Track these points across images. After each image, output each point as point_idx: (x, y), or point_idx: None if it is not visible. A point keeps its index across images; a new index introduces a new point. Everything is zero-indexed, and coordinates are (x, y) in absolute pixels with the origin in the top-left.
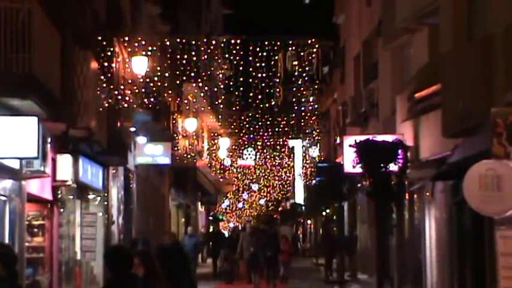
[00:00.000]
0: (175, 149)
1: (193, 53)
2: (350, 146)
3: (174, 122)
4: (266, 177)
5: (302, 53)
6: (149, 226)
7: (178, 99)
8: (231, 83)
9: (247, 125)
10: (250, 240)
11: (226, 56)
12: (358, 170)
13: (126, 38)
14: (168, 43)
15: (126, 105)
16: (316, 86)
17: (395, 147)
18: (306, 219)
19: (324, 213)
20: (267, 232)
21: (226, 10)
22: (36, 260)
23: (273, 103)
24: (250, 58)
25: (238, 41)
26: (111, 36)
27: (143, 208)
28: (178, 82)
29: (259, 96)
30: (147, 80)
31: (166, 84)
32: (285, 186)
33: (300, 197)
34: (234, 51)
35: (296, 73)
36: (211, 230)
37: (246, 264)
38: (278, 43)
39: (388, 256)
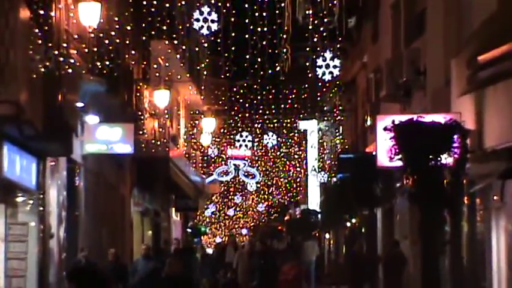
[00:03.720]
0: (140, 132)
1: None
2: (385, 129)
3: (138, 95)
4: (267, 172)
5: None
6: (102, 241)
7: (145, 62)
8: (219, 41)
9: (241, 100)
10: (250, 264)
11: (213, 1)
12: (396, 163)
13: None
14: None
15: (70, 70)
16: (338, 46)
17: (450, 131)
18: (322, 232)
19: (348, 224)
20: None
21: None
22: None
23: (277, 69)
24: (246, 5)
25: None
26: None
27: (94, 216)
28: (144, 38)
29: (259, 60)
30: (100, 35)
31: (127, 42)
32: (294, 186)
33: (314, 202)
34: None
35: (310, 27)
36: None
37: None
38: None
39: (439, 284)
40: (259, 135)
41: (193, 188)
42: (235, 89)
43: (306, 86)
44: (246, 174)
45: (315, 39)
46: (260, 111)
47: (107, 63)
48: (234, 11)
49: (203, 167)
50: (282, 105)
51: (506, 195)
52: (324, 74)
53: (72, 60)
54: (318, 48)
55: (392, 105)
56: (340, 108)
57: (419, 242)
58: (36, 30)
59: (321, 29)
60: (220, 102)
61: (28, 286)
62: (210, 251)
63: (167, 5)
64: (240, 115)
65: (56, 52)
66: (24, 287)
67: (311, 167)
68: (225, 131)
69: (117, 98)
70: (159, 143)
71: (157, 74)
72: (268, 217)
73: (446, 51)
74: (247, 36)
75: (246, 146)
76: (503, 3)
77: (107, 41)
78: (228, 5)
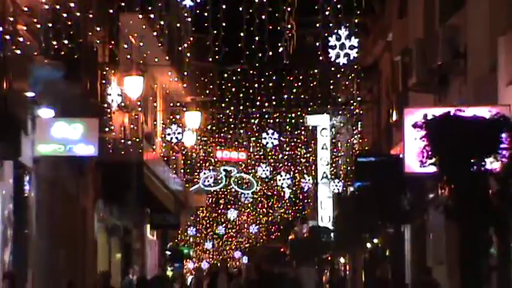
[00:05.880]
0: (106, 130)
1: None
2: (415, 126)
3: (103, 82)
4: (266, 180)
5: None
6: (57, 266)
7: (112, 42)
8: (206, 15)
9: (233, 89)
10: None
11: None
12: (429, 169)
13: None
14: None
15: (18, 51)
16: (356, 21)
17: (496, 128)
18: (336, 255)
19: (368, 245)
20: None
21: None
22: None
23: (280, 50)
24: None
25: None
26: None
27: (48, 234)
28: (111, 11)
29: (256, 38)
30: (57, 6)
31: (90, 15)
32: (301, 197)
33: (325, 217)
34: None
35: None
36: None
37: None
38: None
39: None
40: (257, 134)
41: (174, 200)
42: (226, 75)
43: (316, 71)
44: (239, 182)
45: (327, 13)
46: (258, 103)
47: (65, 42)
48: None
49: (186, 174)
50: (286, 96)
51: None
52: (338, 56)
53: (20, 39)
54: (331, 24)
55: (424, 96)
56: (359, 99)
57: (458, 269)
58: None
59: (335, 0)
60: (208, 92)
61: None
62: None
63: None
64: (232, 108)
65: (0, 28)
66: None
67: (322, 174)
68: (214, 128)
69: (77, 86)
70: (130, 143)
71: (128, 56)
72: (268, 236)
73: (492, 28)
74: (241, 8)
75: (239, 147)
76: None
77: (64, 15)
78: None
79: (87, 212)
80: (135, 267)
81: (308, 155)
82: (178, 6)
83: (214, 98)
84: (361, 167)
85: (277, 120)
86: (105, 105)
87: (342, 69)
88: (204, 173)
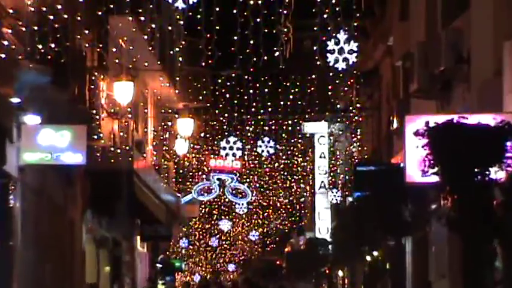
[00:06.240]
0: (95, 137)
1: None
2: (417, 134)
3: (92, 87)
4: (262, 190)
5: None
6: (44, 280)
7: (101, 45)
8: (198, 17)
9: (227, 95)
10: None
11: None
12: (431, 178)
13: None
14: None
15: (2, 55)
16: (355, 24)
17: (501, 136)
18: (334, 268)
19: (368, 258)
20: None
21: None
22: None
23: (276, 54)
24: None
25: None
26: None
27: (34, 246)
28: (100, 13)
29: (251, 42)
30: (43, 8)
31: (78, 18)
32: (297, 207)
33: (323, 229)
34: None
35: None
36: None
37: None
38: None
39: None
40: (252, 142)
41: (165, 211)
42: (219, 81)
43: (313, 76)
44: (234, 192)
45: (325, 15)
46: (253, 110)
47: (52, 45)
48: None
49: (178, 183)
50: (282, 102)
51: None
52: (336, 61)
53: (5, 42)
54: (329, 27)
55: (426, 103)
56: (358, 106)
57: (461, 282)
58: None
59: (333, 1)
60: (201, 98)
61: None
62: None
63: None
64: (226, 115)
65: None
66: None
67: (319, 183)
68: (207, 135)
69: (64, 91)
70: (119, 151)
71: (117, 61)
72: (263, 248)
73: (497, 32)
74: (235, 11)
75: (234, 155)
76: None
77: (51, 17)
78: None
79: (74, 223)
80: (126, 279)
81: (305, 164)
82: (170, 9)
83: (208, 104)
84: (360, 176)
85: (273, 127)
86: (94, 111)
87: (341, 75)
88: (197, 183)
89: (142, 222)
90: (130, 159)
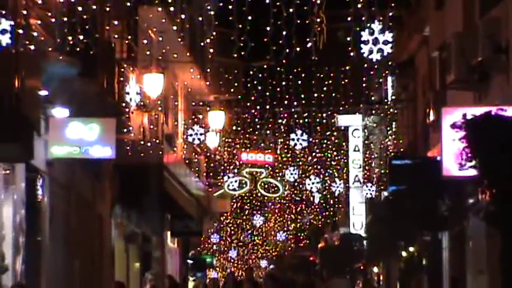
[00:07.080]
0: (124, 131)
1: None
2: (454, 126)
3: (121, 80)
4: (295, 184)
5: None
6: (73, 276)
7: (130, 36)
8: (230, 8)
9: (259, 87)
10: None
11: None
12: (469, 172)
13: None
14: None
15: (31, 47)
16: (390, 14)
17: None
18: (369, 264)
19: (403, 253)
20: None
21: None
22: None
23: (309, 45)
24: None
25: None
26: None
27: (62, 242)
28: (129, 4)
29: (284, 33)
30: (72, 0)
31: (107, 9)
32: (331, 202)
33: (357, 224)
34: None
35: None
36: None
37: None
38: None
39: None
40: (284, 135)
41: (196, 205)
42: (251, 72)
43: (347, 68)
44: (265, 186)
45: (359, 5)
46: (285, 102)
47: (81, 37)
48: None
49: (209, 177)
50: (315, 94)
51: None
52: (371, 52)
53: (33, 34)
54: (363, 18)
55: (463, 94)
56: (393, 98)
57: (499, 279)
58: None
59: None
60: (232, 90)
61: None
62: None
63: None
64: (258, 107)
65: (12, 23)
66: None
67: (354, 177)
68: (239, 128)
69: (93, 84)
70: (149, 144)
71: (147, 52)
72: (296, 244)
73: None
74: (268, 1)
75: (266, 148)
76: None
77: (80, 8)
78: None
79: (103, 218)
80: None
81: (339, 158)
82: None
83: (239, 97)
84: (395, 170)
85: (307, 120)
86: (123, 104)
87: (375, 66)
88: (228, 177)
89: (173, 217)
90: (160, 152)
